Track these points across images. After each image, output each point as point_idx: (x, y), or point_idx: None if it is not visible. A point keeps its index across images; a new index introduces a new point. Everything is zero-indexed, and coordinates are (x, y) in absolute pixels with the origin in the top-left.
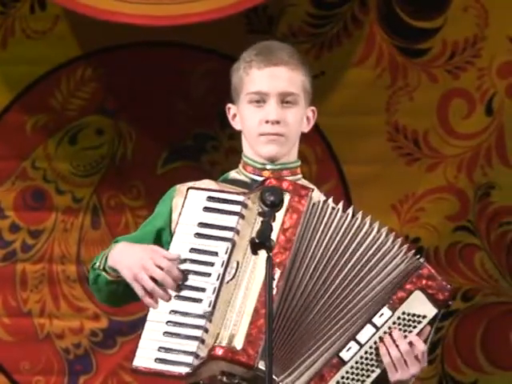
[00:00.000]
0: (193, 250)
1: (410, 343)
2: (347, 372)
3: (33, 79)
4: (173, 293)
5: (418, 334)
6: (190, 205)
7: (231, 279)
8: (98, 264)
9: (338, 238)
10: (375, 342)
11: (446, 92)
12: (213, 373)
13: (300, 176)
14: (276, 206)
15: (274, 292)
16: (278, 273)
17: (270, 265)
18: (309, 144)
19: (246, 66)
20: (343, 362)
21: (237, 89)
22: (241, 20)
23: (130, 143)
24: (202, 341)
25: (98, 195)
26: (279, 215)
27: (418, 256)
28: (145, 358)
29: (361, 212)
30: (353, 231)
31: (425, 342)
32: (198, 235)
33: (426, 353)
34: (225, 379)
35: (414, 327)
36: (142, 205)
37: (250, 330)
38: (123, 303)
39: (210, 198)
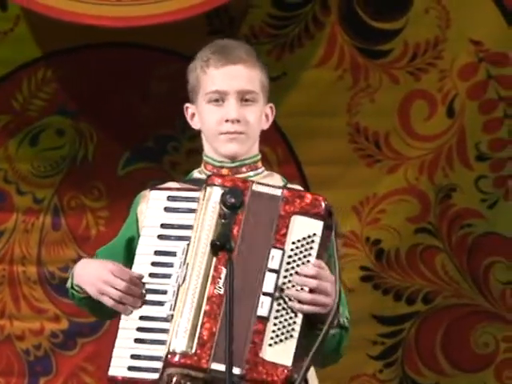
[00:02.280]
0: (157, 253)
1: (316, 276)
2: (274, 325)
3: None
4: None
5: (319, 254)
6: (152, 206)
7: (183, 282)
8: (68, 283)
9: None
10: (284, 285)
11: (407, 93)
12: (177, 378)
13: (261, 170)
14: (237, 207)
15: (221, 292)
16: (223, 272)
17: (232, 267)
18: (270, 145)
19: (202, 64)
20: (265, 319)
21: (194, 88)
22: (202, 21)
23: (90, 144)
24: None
25: (59, 196)
26: (214, 211)
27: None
28: (119, 366)
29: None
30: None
31: (337, 251)
32: (161, 237)
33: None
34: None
35: (311, 248)
36: (103, 206)
37: (201, 333)
38: (107, 316)
39: (170, 198)
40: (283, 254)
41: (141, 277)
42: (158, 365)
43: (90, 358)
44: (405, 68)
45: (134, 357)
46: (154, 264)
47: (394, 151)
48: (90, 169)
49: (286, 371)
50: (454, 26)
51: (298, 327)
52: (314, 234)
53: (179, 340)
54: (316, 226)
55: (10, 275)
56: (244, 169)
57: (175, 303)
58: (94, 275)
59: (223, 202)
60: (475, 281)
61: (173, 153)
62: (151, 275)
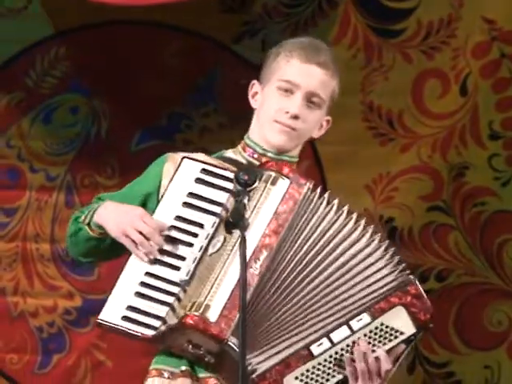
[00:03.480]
0: (178, 218)
1: (377, 358)
2: (313, 367)
3: (7, 58)
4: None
5: (391, 350)
6: (182, 173)
7: (215, 252)
8: (82, 218)
9: (328, 234)
10: (347, 345)
11: (420, 72)
12: (180, 342)
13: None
14: (249, 185)
15: (257, 272)
16: (263, 255)
17: (244, 244)
18: None
19: (288, 54)
20: (312, 356)
21: (270, 71)
22: None
23: (104, 122)
24: (173, 308)
25: (72, 174)
26: (275, 199)
27: (408, 272)
28: (112, 313)
29: (355, 213)
30: (345, 231)
31: (396, 360)
32: (186, 204)
33: (391, 372)
34: (190, 348)
35: (390, 341)
36: (115, 184)
37: (226, 305)
38: (94, 260)
39: (204, 171)
40: (369, 325)
41: (166, 227)
42: (156, 323)
43: (104, 336)
44: (418, 47)
45: (130, 308)
46: (174, 228)
47: (408, 130)
48: (103, 147)
49: None
50: (468, 5)
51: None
52: (402, 333)
53: (202, 305)
54: (408, 328)
55: (23, 252)
56: (286, 169)
57: (194, 271)
58: (122, 216)
59: (237, 179)
60: (488, 259)
61: (186, 131)
62: (169, 238)
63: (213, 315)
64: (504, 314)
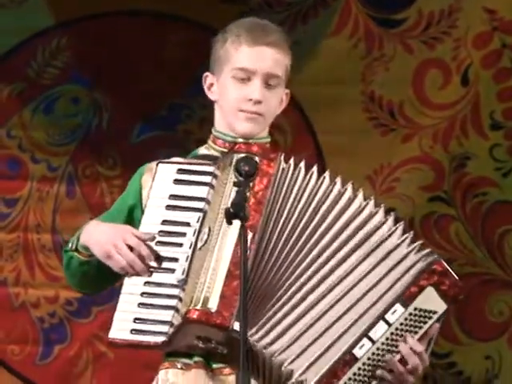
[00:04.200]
0: (165, 222)
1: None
2: (359, 368)
3: (8, 48)
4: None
5: (427, 330)
6: (160, 178)
7: (203, 245)
8: (70, 246)
9: (316, 205)
10: (386, 339)
11: (421, 62)
12: (189, 339)
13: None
14: (251, 175)
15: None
16: (249, 235)
17: (245, 235)
18: (284, 115)
19: (234, 39)
20: (356, 359)
21: (221, 60)
22: None
23: (105, 113)
24: (177, 310)
25: (73, 164)
26: None
27: (431, 251)
28: (120, 329)
29: (339, 179)
30: (342, 203)
31: (431, 340)
32: (170, 207)
33: (427, 352)
34: (201, 344)
35: (425, 323)
36: (117, 174)
37: (224, 292)
38: (96, 288)
39: (180, 171)
40: (403, 313)
41: (153, 238)
42: (164, 329)
43: (105, 326)
44: (419, 37)
45: (137, 320)
46: (162, 233)
47: (409, 120)
48: (105, 137)
49: None
50: None
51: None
52: (435, 312)
53: (201, 298)
54: (440, 306)
55: (24, 243)
56: (255, 148)
57: (189, 267)
58: (105, 236)
59: (237, 169)
60: (489, 249)
61: (186, 121)
62: (159, 243)
63: (213, 305)
64: (505, 304)
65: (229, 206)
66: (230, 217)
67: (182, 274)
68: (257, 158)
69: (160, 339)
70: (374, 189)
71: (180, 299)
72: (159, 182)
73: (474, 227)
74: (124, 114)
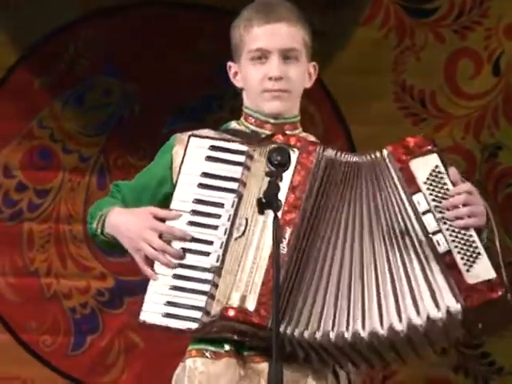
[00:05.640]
0: (197, 201)
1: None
2: (459, 253)
3: (40, 41)
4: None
5: (450, 178)
6: (191, 154)
7: (240, 236)
8: (94, 226)
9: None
10: (442, 218)
11: (453, 52)
12: (223, 330)
13: (300, 130)
14: (283, 165)
15: (285, 252)
16: (288, 232)
17: (277, 226)
18: (315, 104)
19: (246, 23)
20: (449, 252)
21: (237, 47)
22: None
23: (136, 104)
24: (212, 296)
25: (105, 155)
26: (288, 173)
27: None
28: (152, 312)
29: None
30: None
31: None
32: (202, 185)
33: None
34: (236, 337)
35: (442, 178)
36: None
37: (262, 290)
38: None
39: (213, 148)
40: (425, 195)
41: (180, 216)
42: (197, 314)
43: (137, 316)
44: (450, 26)
45: (169, 303)
46: (194, 212)
47: (440, 110)
48: (136, 128)
49: (497, 282)
50: None
51: (477, 242)
52: (436, 166)
53: (239, 295)
54: (433, 160)
55: (56, 234)
56: (286, 127)
57: (224, 256)
58: (133, 229)
59: (270, 160)
60: None
61: (217, 111)
62: (191, 223)
63: (251, 304)
64: None
65: (261, 196)
66: (262, 207)
67: (217, 261)
68: (290, 150)
69: (193, 325)
70: None
71: (215, 285)
72: (191, 157)
73: (506, 217)
74: (155, 105)
